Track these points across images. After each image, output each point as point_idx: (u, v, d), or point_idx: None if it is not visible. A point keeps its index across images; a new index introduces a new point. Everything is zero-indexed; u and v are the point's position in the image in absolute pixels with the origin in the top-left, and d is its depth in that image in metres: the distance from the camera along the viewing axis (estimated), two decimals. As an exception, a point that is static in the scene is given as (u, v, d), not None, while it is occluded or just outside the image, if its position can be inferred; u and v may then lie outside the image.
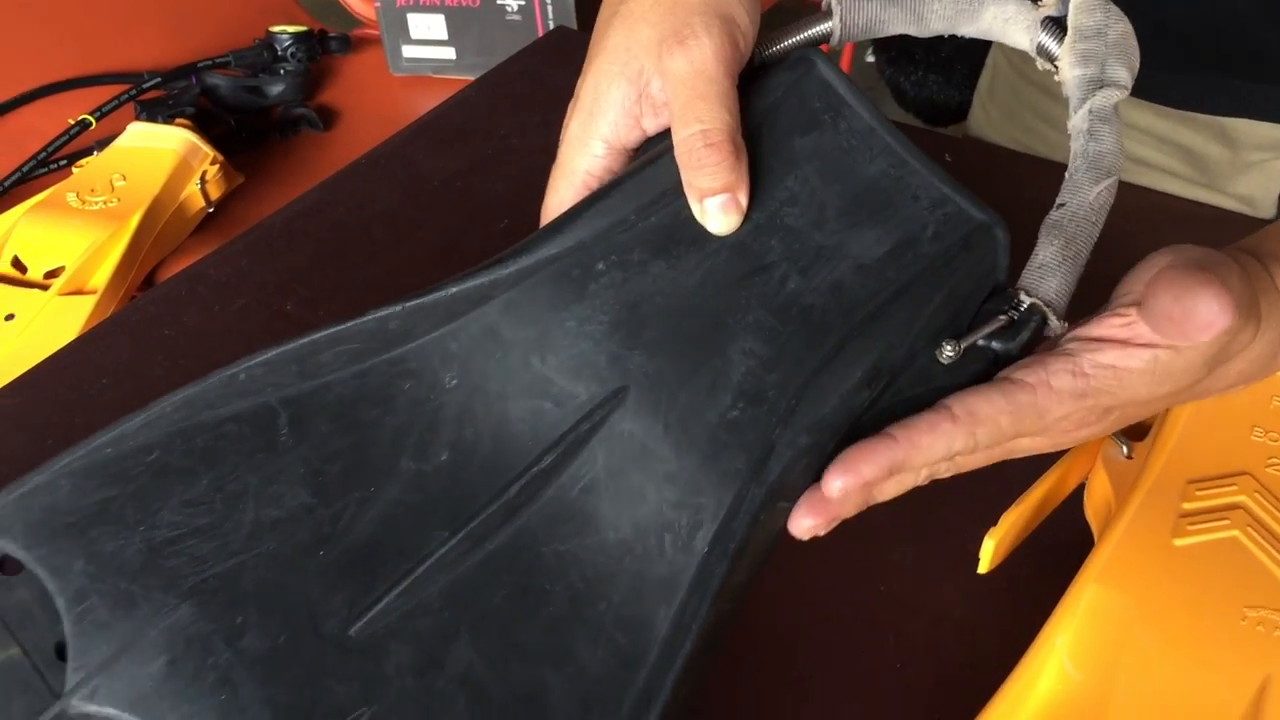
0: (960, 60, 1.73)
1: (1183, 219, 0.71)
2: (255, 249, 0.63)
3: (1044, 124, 0.80)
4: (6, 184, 1.16)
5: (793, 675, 0.47)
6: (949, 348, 0.39)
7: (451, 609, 0.36)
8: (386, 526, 0.38)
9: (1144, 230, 0.66)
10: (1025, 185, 0.51)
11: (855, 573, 0.50)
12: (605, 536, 0.37)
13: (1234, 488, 0.46)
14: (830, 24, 0.44)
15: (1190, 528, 0.45)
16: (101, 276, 1.00)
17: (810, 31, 0.44)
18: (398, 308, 0.40)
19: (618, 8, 0.45)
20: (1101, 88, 0.41)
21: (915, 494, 0.40)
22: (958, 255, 0.40)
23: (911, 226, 0.40)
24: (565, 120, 0.46)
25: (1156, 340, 0.38)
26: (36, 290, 0.99)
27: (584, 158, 0.44)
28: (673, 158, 0.41)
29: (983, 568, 0.48)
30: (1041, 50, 0.43)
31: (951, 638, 0.48)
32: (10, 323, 0.96)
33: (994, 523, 0.47)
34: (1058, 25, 0.42)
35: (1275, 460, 0.47)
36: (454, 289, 0.39)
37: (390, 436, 0.39)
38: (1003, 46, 0.84)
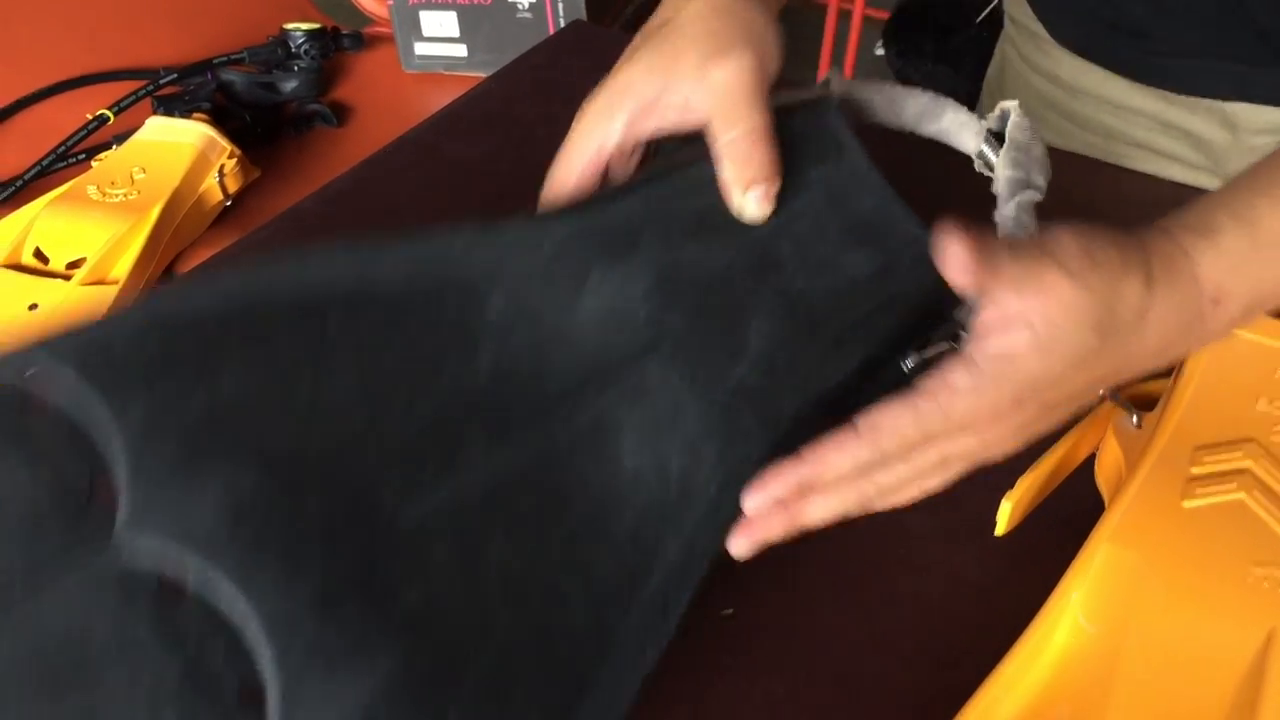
0: (968, 52, 1.76)
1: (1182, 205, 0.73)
2: (289, 232, 0.66)
3: (1053, 113, 0.82)
4: (26, 178, 1.18)
5: (812, 635, 0.49)
6: (911, 359, 0.46)
7: (488, 510, 0.40)
8: (430, 427, 0.41)
9: (1149, 218, 0.68)
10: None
11: (874, 537, 0.52)
12: (624, 465, 0.42)
13: (1240, 454, 0.48)
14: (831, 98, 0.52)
15: (1198, 491, 0.47)
16: (122, 267, 1.02)
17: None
18: (465, 229, 0.45)
19: (665, 22, 0.50)
20: (1026, 189, 0.50)
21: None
22: (926, 282, 0.45)
23: (893, 254, 0.47)
24: (585, 102, 0.50)
25: (1025, 313, 0.40)
26: (59, 280, 1.01)
27: (602, 129, 0.49)
28: (706, 164, 0.47)
29: (999, 530, 0.50)
30: (982, 154, 0.54)
31: (968, 600, 0.50)
32: (34, 312, 0.98)
33: (1010, 489, 0.49)
34: (996, 136, 0.53)
35: (1278, 424, 0.49)
36: (516, 224, 0.45)
37: (436, 347, 0.43)
38: (1011, 38, 0.86)
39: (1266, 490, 0.47)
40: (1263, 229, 0.44)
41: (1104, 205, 0.69)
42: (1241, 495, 0.47)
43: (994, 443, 0.43)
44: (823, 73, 1.96)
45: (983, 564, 0.51)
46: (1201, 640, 0.43)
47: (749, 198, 0.46)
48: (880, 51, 2.12)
